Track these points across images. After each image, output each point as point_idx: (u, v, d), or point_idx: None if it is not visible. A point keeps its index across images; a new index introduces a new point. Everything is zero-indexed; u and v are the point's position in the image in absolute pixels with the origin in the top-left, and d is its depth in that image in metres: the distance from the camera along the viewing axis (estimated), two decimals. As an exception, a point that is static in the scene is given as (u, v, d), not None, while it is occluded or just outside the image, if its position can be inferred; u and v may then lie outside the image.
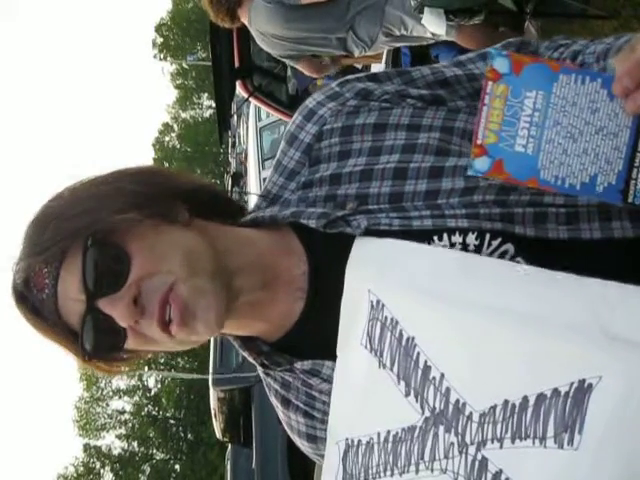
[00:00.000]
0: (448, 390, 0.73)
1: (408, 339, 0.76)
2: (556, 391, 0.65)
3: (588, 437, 0.63)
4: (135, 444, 33.35)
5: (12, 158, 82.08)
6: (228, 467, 7.83)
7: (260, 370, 0.94)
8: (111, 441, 33.72)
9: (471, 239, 0.81)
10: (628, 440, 0.61)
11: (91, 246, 0.81)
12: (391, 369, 0.78)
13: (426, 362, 0.74)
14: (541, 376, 0.66)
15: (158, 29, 38.48)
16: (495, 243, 0.81)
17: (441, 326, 0.74)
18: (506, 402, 0.68)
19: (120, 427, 33.73)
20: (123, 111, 77.70)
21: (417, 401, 0.76)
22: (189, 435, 31.91)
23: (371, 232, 0.84)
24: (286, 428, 0.97)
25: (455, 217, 0.82)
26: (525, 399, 0.67)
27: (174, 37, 38.29)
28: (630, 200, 0.72)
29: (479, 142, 0.74)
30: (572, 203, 0.81)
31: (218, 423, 7.99)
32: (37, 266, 0.82)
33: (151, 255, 0.82)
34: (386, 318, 0.78)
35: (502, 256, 0.81)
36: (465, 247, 0.82)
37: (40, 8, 78.56)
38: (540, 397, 0.66)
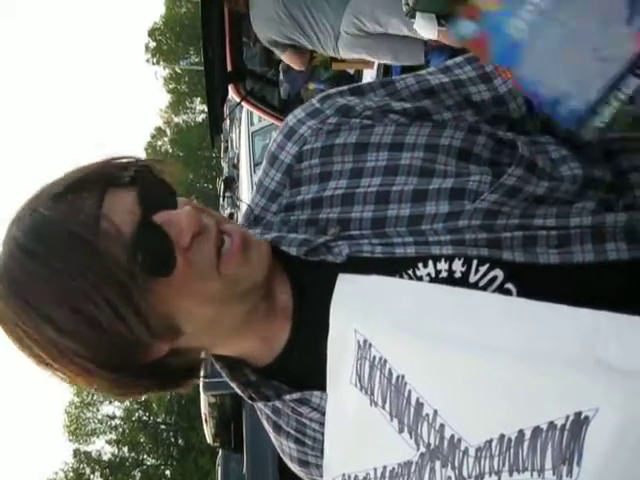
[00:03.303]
0: (442, 426, 0.71)
1: (398, 377, 0.74)
2: (552, 424, 0.64)
3: (587, 469, 0.62)
4: (125, 449, 33.22)
5: (4, 157, 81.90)
6: (219, 472, 7.79)
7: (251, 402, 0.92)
8: (101, 446, 33.64)
9: (457, 265, 0.78)
10: (627, 471, 0.61)
11: (143, 169, 0.81)
12: (383, 407, 0.76)
13: (418, 399, 0.73)
14: (536, 409, 0.65)
15: (151, 33, 38.48)
16: (483, 269, 0.78)
17: (431, 363, 0.72)
18: (502, 436, 0.67)
19: (110, 432, 33.61)
20: (115, 115, 77.64)
21: (411, 437, 0.74)
22: (180, 440, 31.80)
23: (353, 259, 0.81)
24: (279, 451, 0.95)
25: (439, 244, 0.79)
26: (521, 433, 0.66)
27: (167, 41, 38.30)
28: (583, 131, 0.69)
29: (476, 1, 0.68)
30: (563, 225, 0.78)
31: (209, 428, 7.96)
32: (78, 192, 0.78)
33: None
34: (374, 357, 0.76)
35: (491, 282, 0.78)
36: (451, 274, 0.78)
37: (36, 10, 78.47)
38: (536, 430, 0.65)
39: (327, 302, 0.80)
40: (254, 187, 0.93)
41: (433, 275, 0.79)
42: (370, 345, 0.76)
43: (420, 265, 0.80)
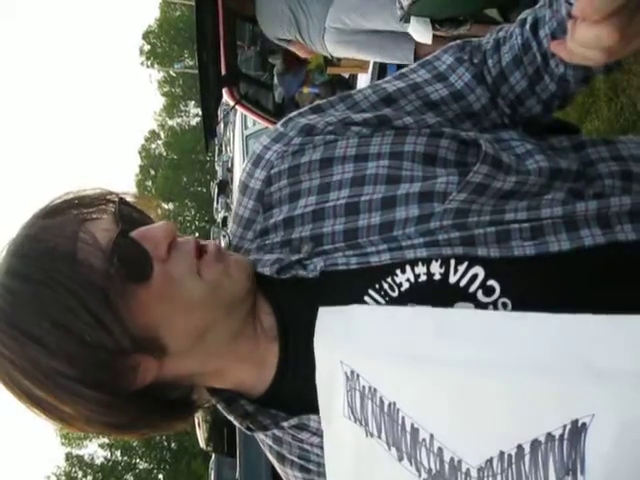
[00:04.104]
0: (440, 450, 0.70)
1: (390, 405, 0.74)
2: (550, 435, 0.63)
3: (592, 476, 0.62)
4: (118, 453, 33.18)
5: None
6: (212, 477, 7.78)
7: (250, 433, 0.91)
8: (94, 450, 33.58)
9: (435, 268, 0.77)
10: (630, 472, 0.60)
11: (121, 199, 0.84)
12: (379, 437, 0.75)
13: (413, 425, 0.72)
14: (532, 422, 0.65)
15: (146, 36, 38.52)
16: (461, 268, 0.77)
17: (421, 387, 0.72)
18: (501, 453, 0.66)
19: (103, 436, 33.46)
20: (109, 118, 77.55)
21: (412, 464, 0.73)
22: (172, 444, 31.77)
23: (329, 274, 0.81)
24: None
25: (413, 247, 0.78)
26: (520, 448, 0.65)
27: (161, 44, 38.36)
28: None
29: None
30: (535, 217, 0.78)
31: (202, 432, 7.93)
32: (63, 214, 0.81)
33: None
34: (364, 387, 0.76)
35: (473, 280, 0.77)
36: (430, 277, 0.78)
37: (35, 11, 78.39)
38: (535, 443, 0.64)
39: (309, 321, 0.80)
40: (231, 219, 0.95)
41: (412, 280, 0.78)
42: (358, 375, 0.76)
43: (398, 272, 0.79)
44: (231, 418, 0.89)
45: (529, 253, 0.77)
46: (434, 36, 2.83)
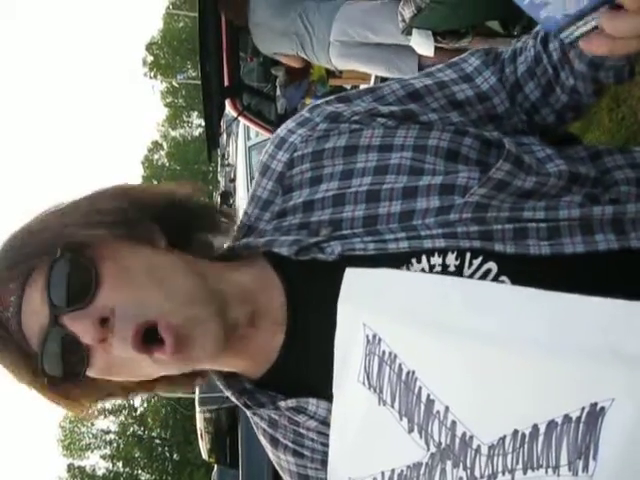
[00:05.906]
0: (454, 423, 0.69)
1: (408, 373, 0.73)
2: (567, 417, 0.63)
3: (603, 462, 0.61)
4: (120, 464, 33.07)
5: None
6: (214, 488, 7.76)
7: (246, 410, 0.91)
8: (95, 461, 33.51)
9: (451, 259, 0.78)
10: None
11: (58, 258, 0.79)
12: (392, 405, 0.74)
13: (429, 396, 0.71)
14: (550, 402, 0.64)
15: (149, 47, 38.70)
16: (476, 262, 0.78)
17: (443, 357, 0.71)
18: (515, 432, 0.66)
19: (105, 447, 33.47)
20: (113, 128, 77.75)
21: (421, 437, 0.72)
22: (175, 455, 31.68)
23: (346, 258, 0.81)
24: (277, 468, 0.94)
25: (432, 237, 0.79)
26: (535, 428, 0.64)
27: (164, 55, 38.50)
28: (562, 36, 0.68)
29: None
30: (553, 217, 0.79)
31: (204, 443, 7.92)
32: (2, 283, 0.80)
33: (127, 277, 0.79)
34: (384, 352, 0.75)
35: (486, 275, 0.77)
36: (445, 268, 0.78)
37: (35, 16, 78.77)
38: (551, 424, 0.64)
39: (321, 304, 0.81)
40: (248, 201, 0.94)
41: (427, 270, 0.79)
42: (380, 340, 0.75)
43: (414, 261, 0.79)
44: (229, 394, 0.90)
45: (544, 253, 0.78)
46: (436, 48, 2.85)
